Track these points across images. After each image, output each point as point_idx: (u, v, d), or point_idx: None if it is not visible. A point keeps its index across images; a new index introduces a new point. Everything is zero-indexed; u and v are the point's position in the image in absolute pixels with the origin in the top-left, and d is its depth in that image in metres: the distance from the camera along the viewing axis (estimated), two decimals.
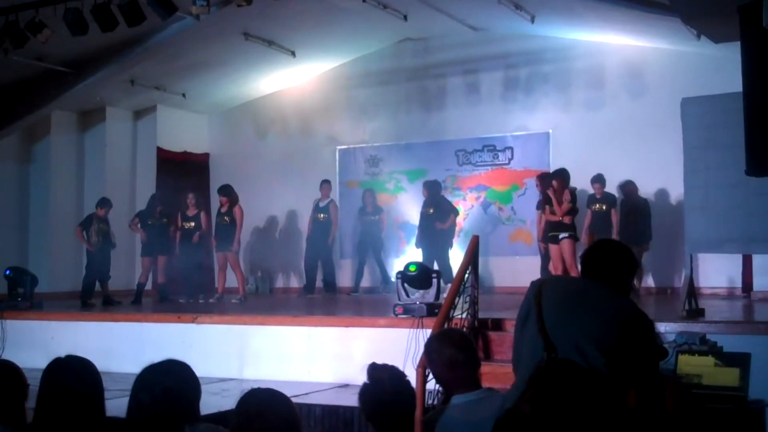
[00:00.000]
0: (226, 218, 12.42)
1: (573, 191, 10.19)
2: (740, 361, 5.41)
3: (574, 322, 3.34)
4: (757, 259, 11.00)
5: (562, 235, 9.92)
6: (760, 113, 4.07)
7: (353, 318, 8.95)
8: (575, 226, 10.11)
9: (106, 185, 14.47)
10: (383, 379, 3.38)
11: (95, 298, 12.30)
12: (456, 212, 13.12)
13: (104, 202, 12.55)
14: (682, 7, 8.30)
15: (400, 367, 3.49)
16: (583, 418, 3.25)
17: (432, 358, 3.64)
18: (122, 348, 9.34)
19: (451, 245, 12.79)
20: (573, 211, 10.07)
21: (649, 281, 12.55)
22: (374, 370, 3.44)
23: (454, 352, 3.53)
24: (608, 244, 3.78)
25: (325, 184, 13.56)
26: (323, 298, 12.97)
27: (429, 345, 3.75)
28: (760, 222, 7.64)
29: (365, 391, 3.40)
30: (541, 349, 3.34)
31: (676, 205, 11.91)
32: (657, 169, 12.25)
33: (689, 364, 5.46)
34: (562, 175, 10.24)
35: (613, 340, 3.31)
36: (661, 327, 6.89)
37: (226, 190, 12.62)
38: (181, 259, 12.87)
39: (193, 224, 12.79)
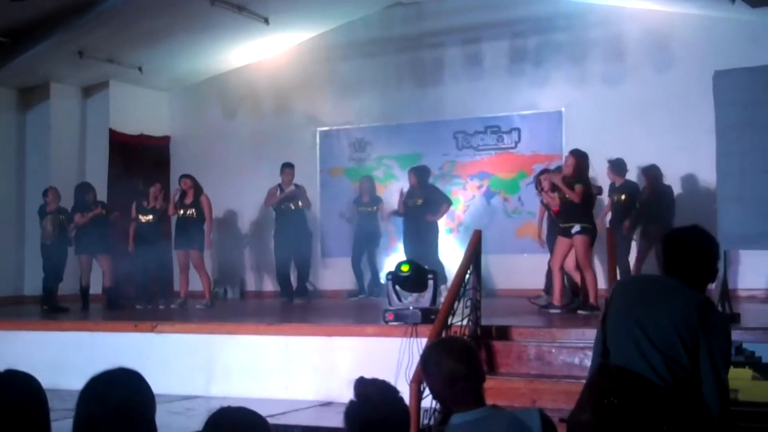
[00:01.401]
0: (190, 211, 12.39)
1: (587, 180, 10.04)
2: None
3: (638, 325, 3.77)
4: None
5: (575, 229, 9.71)
6: None
7: (337, 326, 8.95)
8: (592, 217, 9.99)
9: (52, 173, 14.43)
10: (372, 396, 3.36)
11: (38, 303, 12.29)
12: (449, 202, 13.06)
13: (47, 190, 12.53)
14: None
15: (392, 382, 3.48)
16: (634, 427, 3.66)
17: (429, 371, 3.64)
18: (71, 361, 9.27)
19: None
20: (588, 197, 9.87)
21: None
22: (362, 385, 3.42)
23: (455, 364, 3.52)
24: (681, 233, 4.05)
25: (289, 168, 13.19)
26: (302, 304, 12.85)
27: (426, 356, 3.75)
28: None
29: (352, 410, 3.38)
30: (599, 354, 3.91)
31: (708, 194, 11.92)
32: (686, 153, 12.29)
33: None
34: (579, 153, 10.09)
35: (678, 343, 3.68)
36: None
37: (191, 177, 12.61)
38: (136, 258, 12.80)
39: (151, 217, 12.75)
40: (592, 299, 9.67)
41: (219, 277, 15.28)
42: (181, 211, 12.51)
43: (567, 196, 9.81)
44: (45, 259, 12.48)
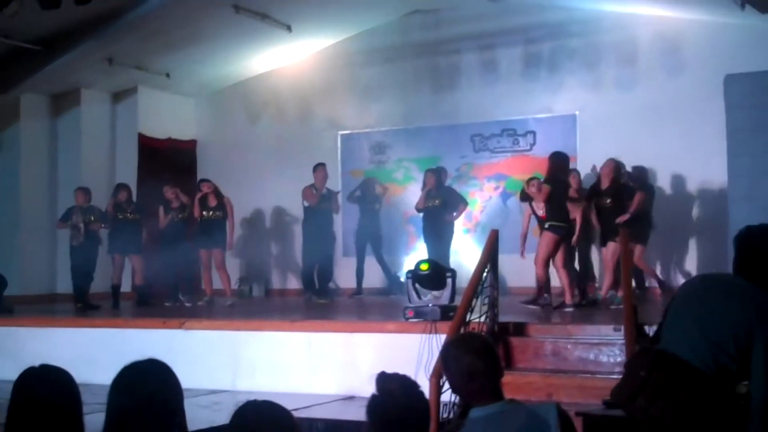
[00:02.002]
0: (217, 213, 12.38)
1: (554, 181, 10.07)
2: None
3: (693, 318, 3.73)
4: None
5: (546, 225, 10.03)
6: None
7: (359, 323, 8.96)
8: (565, 216, 10.04)
9: (82, 176, 14.43)
10: (394, 390, 3.35)
11: (72, 301, 12.30)
12: (466, 203, 13.01)
13: (82, 189, 12.55)
14: None
15: (412, 377, 3.47)
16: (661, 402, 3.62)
17: (449, 366, 3.62)
18: (101, 357, 9.24)
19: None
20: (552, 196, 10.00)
21: None
22: (384, 380, 3.40)
23: (474, 359, 3.50)
24: (752, 231, 3.92)
25: (322, 167, 12.91)
26: (324, 304, 12.75)
27: (445, 352, 3.73)
28: None
29: (374, 404, 3.37)
30: (649, 341, 3.97)
31: (719, 195, 11.87)
32: (697, 155, 12.23)
33: None
34: (554, 155, 10.34)
35: (730, 337, 3.60)
36: None
37: (211, 181, 12.62)
38: (167, 256, 12.77)
39: (180, 216, 12.75)
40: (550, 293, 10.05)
41: (245, 276, 15.31)
42: (206, 213, 12.47)
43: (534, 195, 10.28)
44: (73, 262, 12.45)
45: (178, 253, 12.63)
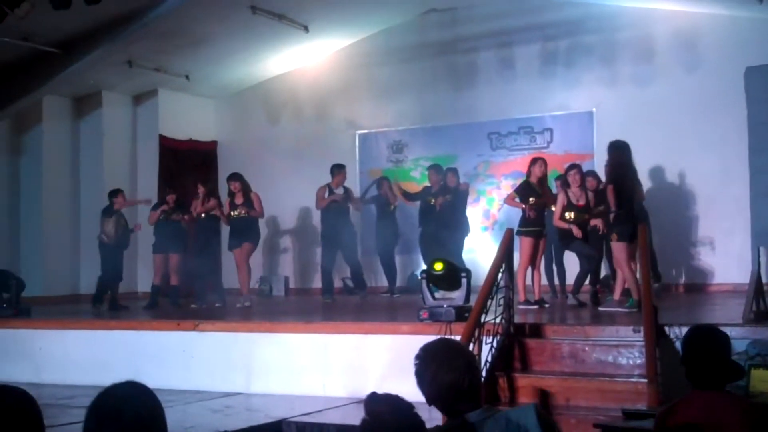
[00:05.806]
0: (244, 209, 11.92)
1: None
2: None
3: None
4: None
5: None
6: None
7: (373, 324, 8.52)
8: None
9: (104, 178, 14.22)
10: (383, 413, 2.92)
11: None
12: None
13: (117, 192, 12.26)
14: None
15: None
16: None
17: (425, 380, 3.20)
18: (116, 359, 9.03)
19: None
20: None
21: (713, 278, 12.06)
22: (373, 402, 2.98)
23: (457, 377, 3.12)
24: None
25: (339, 169, 12.50)
26: (345, 301, 12.32)
27: (423, 366, 3.25)
28: None
29: (364, 428, 2.96)
30: None
31: (740, 191, 11.40)
32: (716, 151, 11.88)
33: (764, 380, 4.98)
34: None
35: None
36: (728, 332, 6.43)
37: (238, 177, 12.08)
38: (194, 256, 12.31)
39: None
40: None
41: (265, 275, 14.98)
42: (235, 212, 11.96)
43: None
44: (104, 258, 12.07)
45: (205, 254, 12.11)
